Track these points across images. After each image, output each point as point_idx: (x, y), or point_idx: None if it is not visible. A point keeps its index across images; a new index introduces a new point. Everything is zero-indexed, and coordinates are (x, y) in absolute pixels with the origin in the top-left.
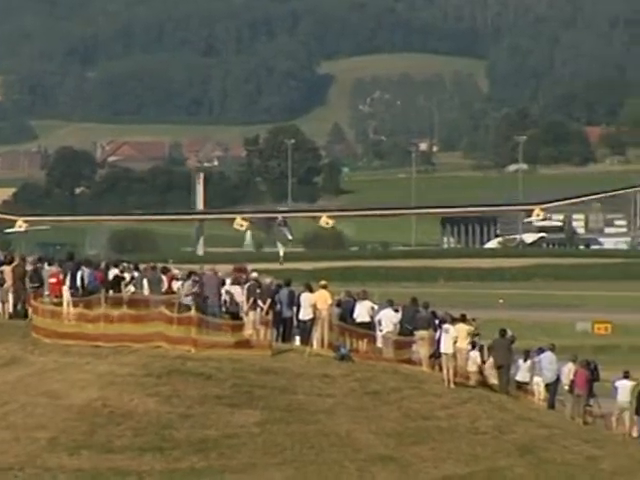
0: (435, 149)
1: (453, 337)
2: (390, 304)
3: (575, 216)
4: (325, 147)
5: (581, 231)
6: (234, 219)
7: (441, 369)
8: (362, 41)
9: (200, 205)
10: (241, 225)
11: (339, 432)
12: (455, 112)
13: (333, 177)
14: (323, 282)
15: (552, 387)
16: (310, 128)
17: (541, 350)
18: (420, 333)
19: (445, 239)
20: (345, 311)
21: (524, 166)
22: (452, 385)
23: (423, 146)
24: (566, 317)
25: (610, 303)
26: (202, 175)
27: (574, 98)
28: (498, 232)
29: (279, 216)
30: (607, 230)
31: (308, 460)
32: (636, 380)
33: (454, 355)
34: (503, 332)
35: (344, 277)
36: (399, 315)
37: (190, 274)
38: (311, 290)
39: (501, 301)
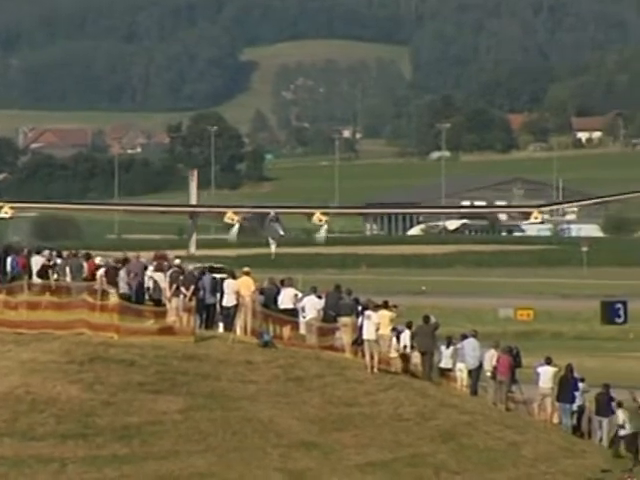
0: (358, 136)
1: (376, 324)
2: (313, 291)
3: (497, 202)
4: (248, 134)
5: (503, 218)
6: (225, 213)
7: (364, 355)
8: (285, 27)
9: (193, 201)
10: (232, 219)
11: (262, 418)
12: (378, 99)
13: (256, 164)
14: (246, 269)
15: (474, 373)
16: (233, 115)
17: (464, 336)
18: (343, 320)
19: (368, 226)
20: (269, 298)
21: (447, 153)
22: (375, 371)
23: (346, 133)
24: (489, 304)
25: (532, 290)
26: (195, 173)
27: (497, 85)
28: (421, 219)
29: (272, 212)
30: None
31: (231, 446)
32: (558, 366)
33: (377, 341)
34: (426, 319)
35: (267, 264)
36: (322, 302)
37: (125, 261)
38: (234, 277)
39: (424, 288)
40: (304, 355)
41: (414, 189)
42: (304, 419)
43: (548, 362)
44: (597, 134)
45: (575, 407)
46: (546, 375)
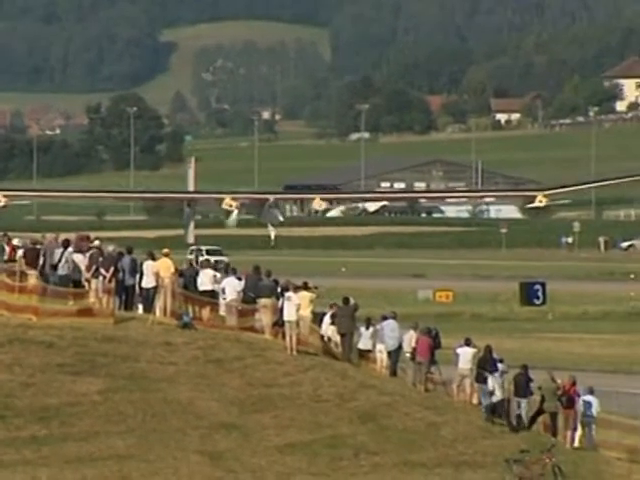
0: (278, 117)
1: (296, 305)
2: (233, 272)
3: (417, 184)
4: (168, 115)
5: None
6: (223, 199)
7: (284, 337)
8: (204, 8)
9: (191, 188)
10: (230, 205)
11: (182, 400)
12: (298, 80)
13: (176, 145)
14: (166, 250)
15: (394, 354)
16: (153, 96)
17: (384, 318)
18: (263, 301)
19: (288, 207)
20: (188, 280)
21: (366, 134)
22: (295, 353)
23: (266, 114)
24: (408, 285)
25: (451, 271)
26: (193, 159)
27: (416, 67)
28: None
29: (271, 197)
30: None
31: (150, 428)
32: (477, 347)
33: (297, 323)
34: (346, 300)
35: (187, 245)
36: (242, 283)
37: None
38: (154, 258)
39: (344, 269)
40: (224, 337)
41: (334, 170)
42: (224, 400)
43: (467, 343)
44: (515, 116)
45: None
46: (465, 356)
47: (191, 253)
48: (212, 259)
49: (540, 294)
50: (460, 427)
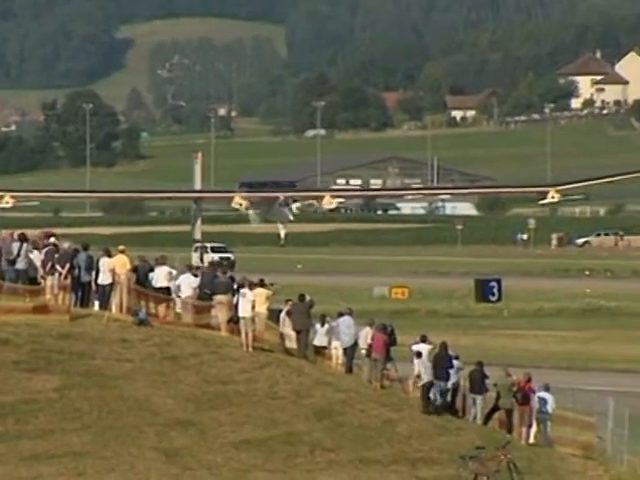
0: (234, 114)
1: (251, 301)
2: (189, 269)
3: (373, 181)
4: (124, 112)
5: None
6: (232, 198)
7: (240, 334)
8: (161, 5)
9: (198, 185)
10: (240, 204)
11: (138, 397)
12: (254, 77)
13: (132, 142)
14: (121, 247)
15: (349, 351)
16: (108, 93)
17: (340, 315)
18: (219, 298)
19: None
20: (140, 275)
21: (322, 131)
22: (250, 349)
23: (222, 111)
24: (364, 282)
25: (407, 268)
26: (200, 155)
27: (372, 64)
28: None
29: (281, 195)
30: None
31: (107, 425)
32: (433, 344)
33: (252, 319)
34: (302, 297)
35: (143, 242)
36: (198, 280)
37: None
38: (110, 255)
39: (300, 266)
40: (180, 333)
41: (290, 167)
42: (180, 397)
43: (423, 340)
44: (471, 113)
45: (450, 384)
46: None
47: (196, 250)
48: (216, 256)
49: (495, 291)
50: (416, 424)
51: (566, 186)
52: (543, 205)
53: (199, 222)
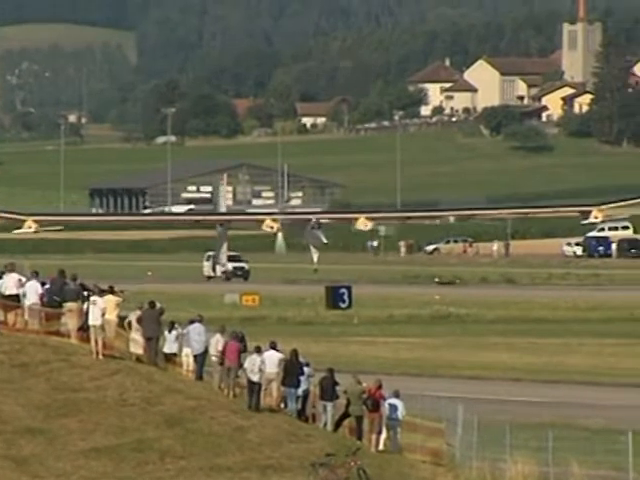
0: (84, 121)
1: (101, 309)
2: (36, 275)
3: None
4: None
5: (229, 203)
6: (263, 220)
7: (90, 341)
8: (8, 11)
9: (223, 207)
10: (271, 227)
11: None
12: (104, 84)
13: None
14: None
15: (200, 358)
16: None
17: (190, 322)
18: (68, 305)
19: (94, 210)
20: None
21: (172, 138)
22: (101, 357)
23: (72, 118)
24: (214, 289)
25: (258, 275)
26: (225, 177)
27: (222, 70)
28: (147, 204)
29: (313, 218)
30: (255, 202)
31: None
32: (281, 351)
33: (102, 327)
34: (152, 304)
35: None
36: (47, 287)
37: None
38: None
39: (150, 273)
40: (29, 341)
41: (140, 174)
42: (29, 405)
43: (273, 347)
44: (321, 120)
45: (300, 391)
46: (271, 360)
47: (208, 259)
48: (230, 265)
49: (346, 298)
50: (267, 431)
51: (607, 205)
52: (585, 225)
53: (225, 245)
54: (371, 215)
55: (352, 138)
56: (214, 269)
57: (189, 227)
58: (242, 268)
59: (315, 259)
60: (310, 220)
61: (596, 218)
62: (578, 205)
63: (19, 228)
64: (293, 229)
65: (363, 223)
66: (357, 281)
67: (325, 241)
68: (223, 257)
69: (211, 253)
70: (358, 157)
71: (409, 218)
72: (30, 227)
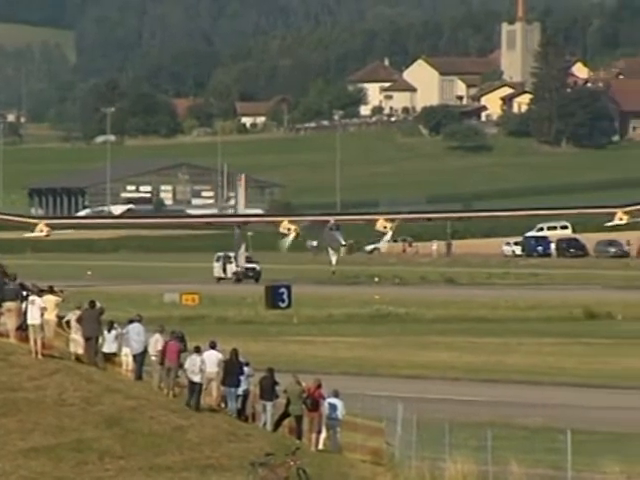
0: (23, 120)
1: (41, 308)
2: None
3: (163, 187)
4: None
5: (169, 202)
6: (280, 222)
7: (29, 340)
8: None
9: (242, 208)
10: (288, 229)
11: None
12: (43, 83)
13: None
14: None
15: (139, 358)
16: None
17: (130, 321)
18: (7, 305)
19: (33, 210)
20: None
21: (112, 137)
22: (40, 356)
23: (11, 117)
24: (154, 288)
25: (197, 274)
26: (243, 177)
27: (162, 70)
28: (87, 204)
29: (331, 219)
30: (194, 201)
31: None
32: (220, 351)
33: (41, 326)
34: (92, 304)
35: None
36: None
37: None
38: None
39: (89, 272)
40: None
41: (79, 174)
42: None
43: (212, 346)
44: (261, 119)
45: (240, 391)
46: (211, 359)
47: (218, 260)
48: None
49: (285, 297)
50: (206, 430)
51: (632, 207)
52: (610, 227)
53: (243, 247)
54: (388, 217)
55: (292, 137)
56: (224, 270)
57: (130, 227)
58: (254, 269)
59: (333, 261)
60: (328, 222)
61: (621, 220)
62: (602, 207)
63: (31, 232)
64: (311, 231)
65: (382, 225)
66: (296, 280)
67: (343, 243)
68: (241, 259)
69: (221, 254)
70: (298, 157)
71: (429, 220)
72: (42, 230)
